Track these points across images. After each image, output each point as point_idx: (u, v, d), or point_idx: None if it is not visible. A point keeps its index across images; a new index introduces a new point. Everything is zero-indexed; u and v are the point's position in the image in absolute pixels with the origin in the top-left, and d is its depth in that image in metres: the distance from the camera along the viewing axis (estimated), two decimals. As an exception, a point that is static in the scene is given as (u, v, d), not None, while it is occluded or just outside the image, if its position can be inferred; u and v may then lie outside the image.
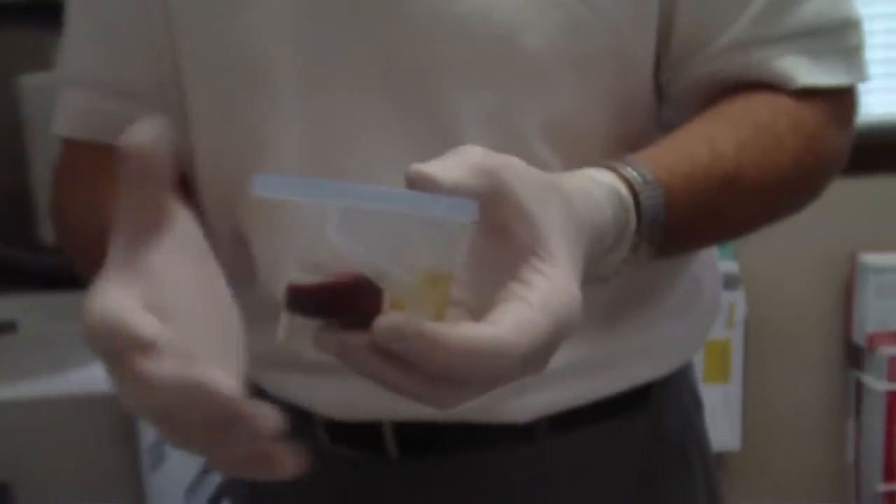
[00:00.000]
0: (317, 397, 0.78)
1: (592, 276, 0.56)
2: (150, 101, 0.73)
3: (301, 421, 0.79)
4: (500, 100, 0.68)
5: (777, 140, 0.67)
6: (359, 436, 0.78)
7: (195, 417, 0.43)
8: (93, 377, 1.04)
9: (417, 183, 0.46)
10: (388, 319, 0.43)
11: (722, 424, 2.17)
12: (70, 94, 0.77)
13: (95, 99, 0.75)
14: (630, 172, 0.60)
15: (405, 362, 0.44)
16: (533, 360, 0.46)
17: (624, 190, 0.58)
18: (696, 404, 0.88)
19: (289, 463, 0.46)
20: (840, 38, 0.71)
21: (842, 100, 0.72)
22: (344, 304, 0.43)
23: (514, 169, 0.49)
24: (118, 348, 0.43)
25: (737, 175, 0.65)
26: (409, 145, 0.68)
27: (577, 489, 0.78)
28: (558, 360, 0.72)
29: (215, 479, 1.24)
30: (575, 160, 0.67)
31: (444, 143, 0.67)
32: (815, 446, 2.37)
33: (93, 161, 0.76)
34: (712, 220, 0.68)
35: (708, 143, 0.65)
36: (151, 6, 0.72)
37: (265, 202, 0.46)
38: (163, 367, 0.42)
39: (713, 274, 0.87)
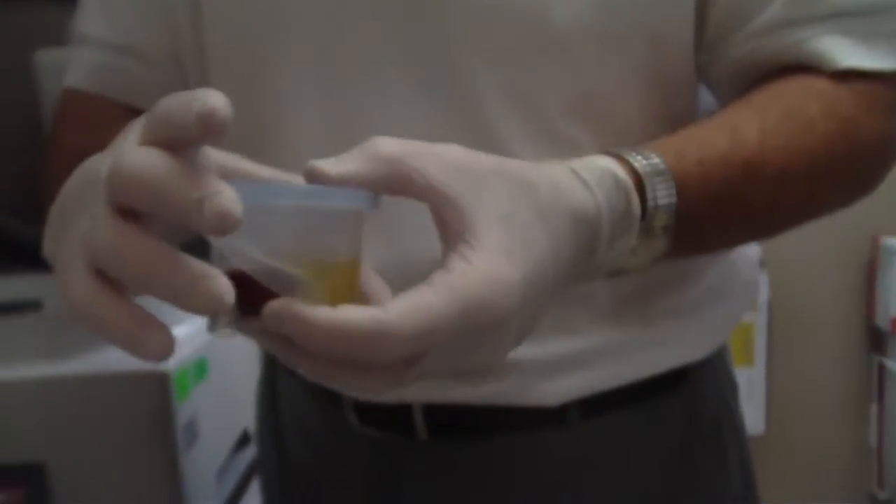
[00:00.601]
0: None
1: (604, 266, 0.56)
2: (156, 62, 0.77)
3: (330, 401, 0.80)
4: (523, 75, 0.66)
5: (808, 125, 0.63)
6: (388, 418, 0.77)
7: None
8: (126, 356, 1.01)
9: (309, 177, 0.46)
10: (270, 305, 0.43)
11: (745, 408, 2.15)
12: (84, 49, 0.79)
13: (108, 56, 0.78)
14: (632, 156, 0.57)
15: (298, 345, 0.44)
16: (432, 341, 0.44)
17: (622, 173, 0.55)
18: (732, 388, 0.86)
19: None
20: (888, 19, 0.66)
21: (887, 85, 0.67)
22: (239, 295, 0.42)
23: (427, 156, 0.47)
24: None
25: (761, 161, 0.61)
26: (431, 121, 0.67)
27: (610, 472, 0.77)
28: (589, 343, 0.73)
29: (246, 459, 1.23)
30: (609, 139, 0.66)
31: (466, 118, 0.67)
32: (838, 429, 2.37)
33: (97, 113, 0.78)
34: (735, 210, 0.63)
35: (728, 129, 0.62)
36: None
37: None
38: None
39: (749, 256, 0.85)
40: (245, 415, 1.26)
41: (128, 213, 0.41)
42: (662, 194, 0.56)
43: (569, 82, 0.66)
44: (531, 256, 0.47)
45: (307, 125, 0.70)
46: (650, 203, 0.56)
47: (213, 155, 0.48)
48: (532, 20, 0.64)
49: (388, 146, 0.47)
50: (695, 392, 0.79)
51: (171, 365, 0.97)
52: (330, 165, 0.46)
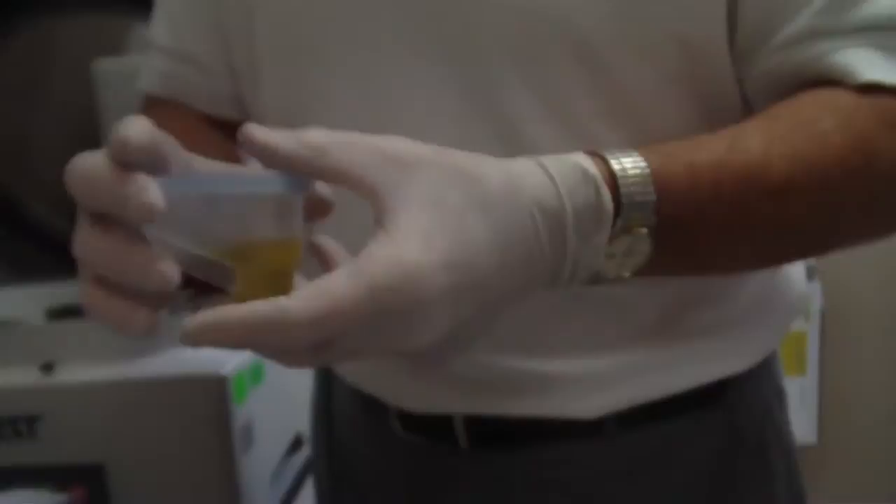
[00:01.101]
0: (391, 389, 0.80)
1: (582, 267, 0.54)
2: (213, 70, 0.81)
3: (375, 407, 0.82)
4: (552, 77, 0.65)
5: (819, 137, 0.59)
6: (431, 426, 0.78)
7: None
8: (185, 359, 1.04)
9: (241, 138, 0.48)
10: (183, 326, 0.46)
11: (797, 417, 2.14)
12: (152, 55, 0.85)
13: (170, 63, 0.83)
14: (609, 152, 0.55)
15: None
16: (337, 325, 0.45)
17: (593, 168, 0.53)
18: (779, 398, 0.84)
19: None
20: None
21: None
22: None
23: (355, 146, 0.49)
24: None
25: (763, 168, 0.57)
26: (460, 120, 0.68)
27: (648, 483, 0.77)
28: (627, 359, 0.73)
29: (299, 462, 1.24)
30: (646, 144, 0.64)
31: (494, 118, 0.67)
32: (891, 438, 2.34)
33: (161, 112, 0.82)
34: (732, 220, 0.59)
35: (729, 136, 0.59)
36: None
37: None
38: None
39: (797, 268, 0.84)
40: (298, 419, 1.27)
41: (101, 217, 0.47)
42: (637, 190, 0.54)
43: (598, 86, 0.65)
44: (460, 243, 0.48)
45: (340, 109, 0.71)
46: (624, 199, 0.54)
47: (180, 155, 0.51)
48: (558, 24, 0.64)
49: (316, 134, 0.48)
50: (737, 403, 0.78)
51: (228, 369, 0.99)
52: (260, 133, 0.48)
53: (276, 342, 0.45)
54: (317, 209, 0.54)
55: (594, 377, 0.73)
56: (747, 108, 0.68)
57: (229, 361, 1.00)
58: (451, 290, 0.48)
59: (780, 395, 0.84)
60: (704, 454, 0.77)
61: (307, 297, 0.45)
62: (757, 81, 0.66)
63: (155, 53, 0.84)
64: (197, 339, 0.45)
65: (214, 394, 0.98)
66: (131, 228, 0.47)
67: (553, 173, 0.52)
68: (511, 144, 0.67)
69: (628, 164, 0.55)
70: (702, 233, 0.58)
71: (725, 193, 0.57)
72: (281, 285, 0.48)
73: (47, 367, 1.02)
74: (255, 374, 1.07)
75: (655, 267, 0.57)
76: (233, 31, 0.78)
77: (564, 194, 0.52)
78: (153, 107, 0.85)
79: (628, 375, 0.74)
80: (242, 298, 0.46)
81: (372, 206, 0.48)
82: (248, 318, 0.45)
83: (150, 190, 0.44)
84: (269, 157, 0.48)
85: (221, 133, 0.83)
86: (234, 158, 0.82)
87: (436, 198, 0.48)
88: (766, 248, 0.63)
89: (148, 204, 0.44)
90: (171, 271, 0.46)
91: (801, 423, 2.18)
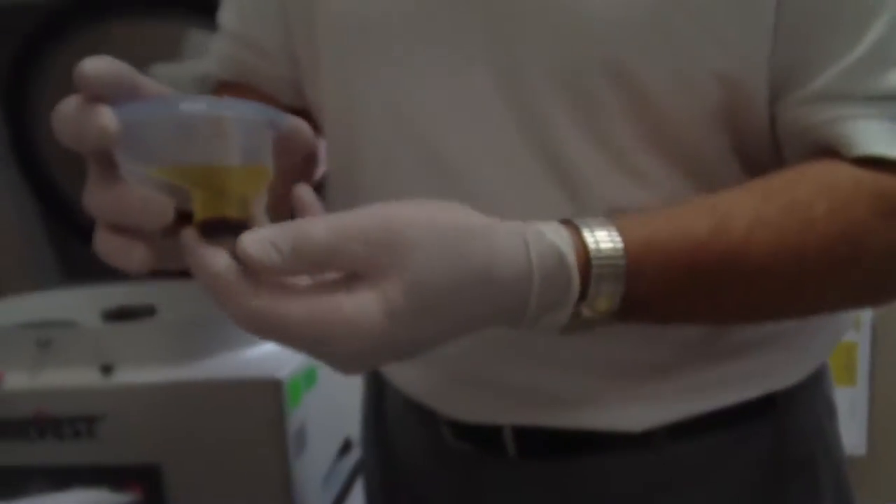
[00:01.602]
0: (441, 398, 0.81)
1: (535, 325, 0.57)
2: (271, 53, 0.83)
3: (426, 415, 0.83)
4: (593, 104, 0.65)
5: (807, 223, 0.59)
6: (479, 435, 0.79)
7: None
8: (241, 362, 1.05)
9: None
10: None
11: (847, 428, 2.10)
12: (219, 38, 0.88)
13: (234, 47, 0.86)
14: (593, 243, 0.57)
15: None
16: (277, 336, 0.50)
17: (571, 259, 0.55)
18: (829, 411, 0.83)
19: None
20: None
21: None
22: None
23: (349, 238, 0.50)
24: None
25: (741, 255, 0.58)
26: (503, 141, 0.68)
27: (695, 495, 0.76)
28: (677, 377, 0.73)
29: (349, 465, 1.25)
30: (686, 173, 0.67)
31: (536, 140, 0.68)
32: (943, 452, 2.30)
33: (231, 94, 0.82)
34: (706, 301, 0.61)
35: (717, 216, 0.59)
36: None
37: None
38: None
39: None
40: (348, 422, 1.28)
41: (103, 169, 0.50)
42: (607, 288, 0.57)
43: (639, 116, 0.65)
44: (422, 325, 0.51)
45: (388, 124, 0.72)
46: (591, 291, 0.57)
47: (158, 89, 0.53)
48: (605, 58, 0.64)
49: (315, 235, 0.49)
50: (785, 416, 0.78)
51: (284, 373, 1.00)
52: (251, 248, 0.48)
53: (221, 295, 0.49)
54: (292, 146, 0.56)
55: (642, 392, 0.74)
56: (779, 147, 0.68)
57: (285, 365, 1.01)
58: (385, 358, 0.53)
59: (830, 408, 0.83)
60: (752, 466, 0.77)
61: (275, 293, 0.48)
62: (781, 129, 0.66)
63: (222, 37, 0.87)
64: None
65: (270, 397, 0.98)
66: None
67: (534, 260, 0.54)
68: (554, 169, 0.68)
69: (607, 262, 0.56)
70: (670, 310, 0.62)
71: (700, 279, 0.59)
72: (242, 211, 0.50)
73: (107, 369, 1.03)
74: (309, 378, 1.08)
75: (619, 322, 0.59)
76: (295, 19, 0.79)
77: (535, 282, 0.54)
78: (223, 89, 0.87)
79: (676, 390, 0.74)
80: (199, 221, 0.49)
81: (362, 269, 0.50)
82: (203, 265, 0.49)
83: (103, 114, 0.47)
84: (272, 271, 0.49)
85: None
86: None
87: (419, 283, 0.50)
88: (736, 316, 0.66)
89: (101, 127, 0.46)
90: (160, 206, 0.49)
91: (851, 434, 2.15)
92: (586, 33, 0.63)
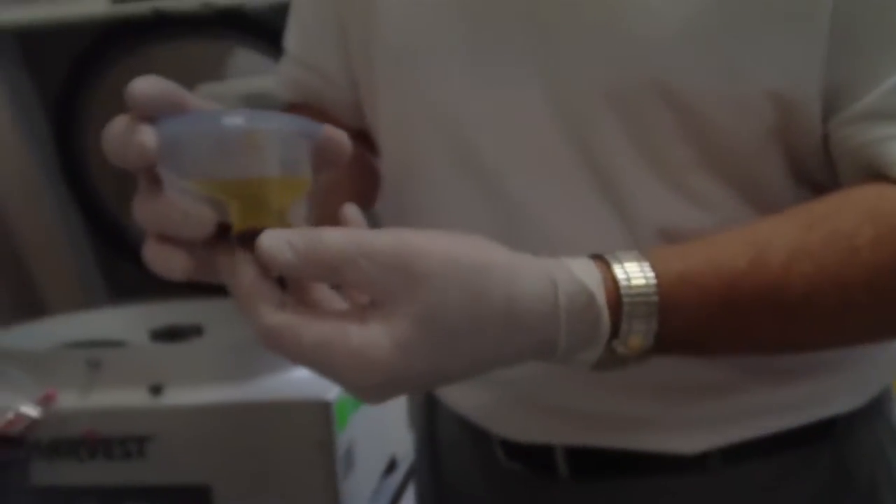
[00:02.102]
0: (494, 418, 0.81)
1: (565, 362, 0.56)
2: (333, 77, 0.85)
3: (479, 435, 0.82)
4: (645, 125, 0.65)
5: (851, 252, 0.57)
6: (532, 455, 0.79)
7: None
8: (290, 384, 1.05)
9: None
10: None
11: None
12: (285, 63, 0.90)
13: (299, 71, 0.88)
14: (624, 280, 0.55)
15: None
16: (288, 352, 0.49)
17: (601, 298, 0.53)
18: (892, 436, 0.81)
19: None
20: None
21: None
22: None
23: (366, 258, 0.49)
24: None
25: (779, 288, 0.57)
26: (559, 163, 0.68)
27: None
28: (733, 401, 0.72)
29: (393, 485, 1.24)
30: (742, 195, 0.66)
31: (590, 164, 0.67)
32: None
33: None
34: (743, 334, 0.59)
35: (755, 247, 0.57)
36: (350, 7, 0.79)
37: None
38: None
39: None
40: (393, 441, 1.28)
41: (149, 182, 0.51)
42: (640, 325, 0.55)
43: (693, 136, 0.64)
44: (436, 364, 0.50)
45: (441, 143, 0.73)
46: (623, 328, 0.55)
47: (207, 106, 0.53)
48: (656, 79, 0.63)
49: (332, 244, 0.49)
50: (845, 441, 0.76)
51: (332, 394, 1.00)
52: (269, 246, 0.49)
53: (245, 309, 0.50)
54: (330, 156, 0.55)
55: (696, 414, 0.73)
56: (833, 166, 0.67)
57: (334, 386, 1.01)
58: (403, 389, 0.51)
59: (893, 433, 0.81)
60: (810, 491, 0.75)
61: (298, 315, 0.49)
62: (833, 148, 0.65)
63: (287, 61, 0.89)
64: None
65: (319, 418, 0.99)
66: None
67: (561, 301, 0.52)
68: (605, 188, 0.67)
69: (637, 282, 0.55)
70: (706, 344, 0.60)
71: (736, 313, 0.57)
72: (280, 222, 0.50)
73: (156, 389, 1.04)
74: (356, 399, 1.07)
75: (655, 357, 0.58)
76: (354, 43, 0.80)
77: (563, 322, 0.52)
78: (291, 111, 0.88)
79: (732, 414, 0.73)
80: (237, 232, 0.49)
81: (372, 291, 0.50)
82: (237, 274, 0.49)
83: (143, 132, 0.48)
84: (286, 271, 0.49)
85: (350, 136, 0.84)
86: (366, 165, 0.84)
87: (430, 317, 0.49)
88: (775, 349, 0.64)
89: (140, 144, 0.48)
90: (206, 215, 0.49)
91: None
92: (634, 53, 0.63)
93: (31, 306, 1.57)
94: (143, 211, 0.51)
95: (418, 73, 0.73)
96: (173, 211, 0.50)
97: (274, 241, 0.48)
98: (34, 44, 1.43)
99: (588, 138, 0.67)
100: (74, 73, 1.45)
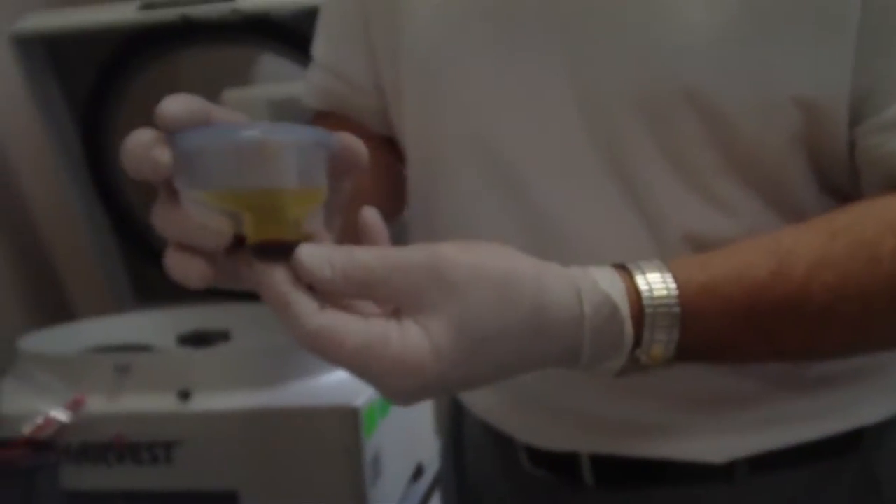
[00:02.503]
0: (518, 424, 0.80)
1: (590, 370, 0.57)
2: (360, 84, 0.84)
3: (504, 441, 0.82)
4: (673, 131, 0.65)
5: (874, 262, 0.57)
6: (557, 462, 0.78)
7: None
8: (318, 390, 1.06)
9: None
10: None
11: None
12: (312, 71, 0.89)
13: (327, 79, 0.87)
14: (646, 290, 0.56)
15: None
16: (328, 353, 0.50)
17: (625, 309, 0.55)
18: None
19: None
20: None
21: None
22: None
23: (397, 271, 0.51)
24: None
25: (801, 298, 0.57)
26: (584, 167, 0.68)
27: None
28: (761, 409, 0.71)
29: (420, 491, 1.24)
30: (769, 202, 0.66)
31: (615, 162, 0.67)
32: None
33: (326, 124, 0.83)
34: (765, 343, 0.60)
35: (777, 257, 0.58)
36: (377, 14, 0.80)
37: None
38: None
39: None
40: (420, 448, 1.28)
41: (169, 193, 0.51)
42: (662, 335, 0.56)
43: (716, 139, 0.64)
44: (470, 365, 0.51)
45: (468, 149, 0.73)
46: (645, 338, 0.56)
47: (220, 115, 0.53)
48: (684, 84, 0.63)
49: (365, 262, 0.50)
50: (874, 451, 0.75)
51: (360, 401, 1.00)
52: (309, 259, 0.50)
53: (282, 317, 0.50)
54: (347, 164, 0.56)
55: (724, 423, 0.72)
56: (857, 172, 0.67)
57: (362, 393, 1.01)
58: (437, 392, 0.53)
59: None
60: (838, 503, 0.75)
61: (336, 317, 0.49)
62: (858, 156, 0.64)
63: (315, 68, 0.89)
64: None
65: (347, 425, 0.99)
66: None
67: (586, 311, 0.54)
68: (631, 193, 0.67)
69: (659, 293, 0.56)
70: (728, 352, 0.60)
71: (758, 322, 0.58)
72: (296, 232, 0.51)
73: (184, 395, 1.04)
74: (384, 407, 1.08)
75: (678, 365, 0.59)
76: (380, 49, 0.81)
77: (587, 331, 0.54)
78: (319, 119, 0.89)
79: (759, 422, 0.72)
80: (253, 244, 0.50)
81: (405, 304, 0.51)
82: (268, 283, 0.50)
83: (157, 147, 0.49)
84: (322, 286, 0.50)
85: (377, 144, 0.84)
86: (393, 172, 0.84)
87: (463, 324, 0.51)
88: (795, 356, 0.64)
89: (154, 159, 0.48)
90: (217, 232, 0.50)
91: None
92: (665, 59, 0.63)
93: (59, 310, 1.58)
94: (162, 220, 0.52)
95: (444, 78, 0.73)
96: (191, 223, 0.50)
97: (313, 257, 0.49)
98: (62, 50, 1.44)
99: (615, 143, 0.66)
100: (102, 79, 1.45)
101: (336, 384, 1.05)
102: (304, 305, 0.49)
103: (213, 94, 1.55)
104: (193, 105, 0.50)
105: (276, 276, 0.50)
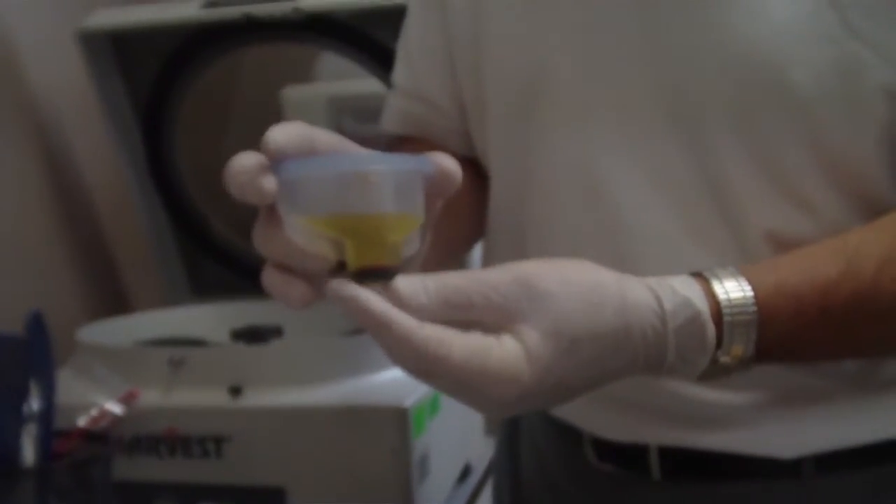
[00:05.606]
0: (588, 417, 0.81)
1: (680, 374, 0.59)
2: (442, 106, 0.87)
3: (569, 434, 0.84)
4: (762, 133, 0.65)
5: None
6: (624, 455, 0.79)
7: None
8: (368, 389, 1.06)
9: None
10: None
11: None
12: (393, 94, 0.91)
13: (407, 103, 0.89)
14: (716, 280, 0.59)
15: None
16: (430, 375, 0.52)
17: (706, 313, 0.57)
18: None
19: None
20: None
21: None
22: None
23: (486, 284, 0.53)
24: None
25: (872, 294, 0.59)
26: (670, 170, 0.69)
27: None
28: (834, 406, 0.72)
29: (467, 491, 1.24)
30: (854, 203, 0.66)
31: (702, 164, 0.68)
32: None
33: (404, 149, 0.87)
34: (843, 341, 0.62)
35: (845, 256, 0.60)
36: (460, 30, 0.82)
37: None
38: None
39: None
40: (468, 448, 1.28)
41: (269, 214, 0.53)
42: (741, 336, 0.58)
43: (809, 142, 0.65)
44: (563, 369, 0.54)
45: (558, 168, 0.74)
46: (725, 340, 0.58)
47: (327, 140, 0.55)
48: (772, 81, 0.64)
49: (455, 285, 0.52)
50: None
51: (410, 401, 1.00)
52: (407, 290, 0.52)
53: (380, 338, 0.51)
54: (441, 188, 0.56)
55: (793, 418, 0.73)
56: None
57: (412, 393, 1.01)
58: (533, 403, 0.55)
59: None
60: None
61: (432, 331, 0.51)
62: None
63: (395, 94, 0.90)
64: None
65: (396, 425, 0.99)
66: None
67: (667, 311, 0.56)
68: (712, 192, 0.68)
69: (736, 297, 0.58)
70: (805, 351, 0.63)
71: (832, 319, 0.60)
72: (394, 258, 0.52)
73: (236, 390, 1.05)
74: (433, 406, 1.07)
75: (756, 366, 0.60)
76: (462, 69, 0.82)
77: (671, 333, 0.56)
78: (399, 144, 0.90)
79: (829, 420, 0.72)
80: (354, 269, 0.51)
81: (499, 319, 0.53)
82: (367, 307, 0.50)
83: (261, 175, 0.50)
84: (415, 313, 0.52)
85: (462, 165, 0.85)
86: (478, 192, 0.85)
87: (555, 329, 0.53)
88: (873, 352, 0.67)
89: (259, 188, 0.50)
90: (320, 260, 0.52)
91: None
92: (750, 53, 0.64)
93: (116, 302, 1.60)
94: (263, 242, 0.54)
95: (530, 98, 0.74)
96: (293, 247, 0.52)
97: (410, 286, 0.51)
98: (126, 46, 1.46)
99: (700, 143, 0.68)
100: (165, 75, 1.47)
101: (386, 383, 1.05)
102: (408, 321, 0.50)
103: (273, 91, 1.57)
104: (299, 136, 0.52)
105: (376, 300, 0.51)
